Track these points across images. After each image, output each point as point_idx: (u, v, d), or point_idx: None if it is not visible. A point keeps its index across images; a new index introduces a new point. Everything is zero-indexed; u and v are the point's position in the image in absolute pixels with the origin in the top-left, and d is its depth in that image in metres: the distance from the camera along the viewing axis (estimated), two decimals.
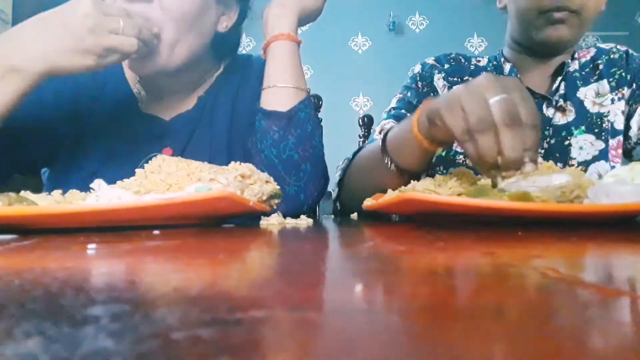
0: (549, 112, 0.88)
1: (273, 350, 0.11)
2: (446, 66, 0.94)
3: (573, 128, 0.86)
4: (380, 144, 0.66)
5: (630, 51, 0.90)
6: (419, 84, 0.93)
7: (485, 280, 0.20)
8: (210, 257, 0.28)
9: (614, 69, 0.88)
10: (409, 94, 0.91)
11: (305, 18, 0.73)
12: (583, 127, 0.86)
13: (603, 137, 0.85)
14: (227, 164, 0.52)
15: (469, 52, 3.19)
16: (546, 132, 0.86)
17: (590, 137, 0.85)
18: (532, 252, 0.28)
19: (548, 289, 0.18)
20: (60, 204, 0.45)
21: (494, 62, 0.94)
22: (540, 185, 0.45)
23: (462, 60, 0.95)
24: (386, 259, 0.28)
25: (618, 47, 0.91)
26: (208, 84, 0.78)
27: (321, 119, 1.08)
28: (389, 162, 0.64)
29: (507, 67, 0.90)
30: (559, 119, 0.88)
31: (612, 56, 0.89)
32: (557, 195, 0.44)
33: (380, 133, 0.82)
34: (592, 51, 0.92)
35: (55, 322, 0.14)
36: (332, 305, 0.16)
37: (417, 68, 0.96)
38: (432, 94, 0.91)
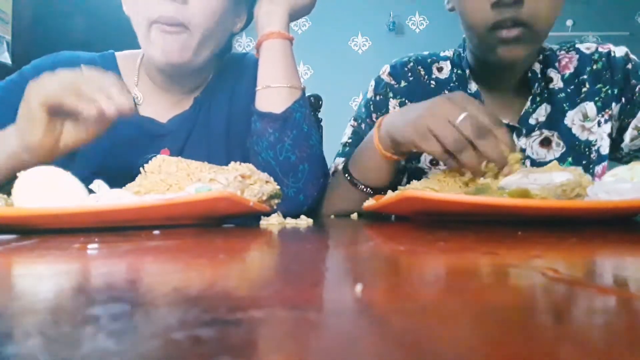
0: (520, 142, 0.77)
1: (273, 350, 0.11)
2: (403, 84, 0.82)
3: (561, 164, 0.75)
4: (342, 170, 0.69)
5: (613, 52, 0.79)
6: (373, 116, 0.82)
7: (485, 280, 0.20)
8: (210, 257, 0.28)
9: (599, 86, 0.78)
10: (362, 127, 0.82)
11: (297, 13, 0.72)
12: (570, 159, 0.77)
13: (590, 170, 0.77)
14: (225, 163, 0.52)
15: None
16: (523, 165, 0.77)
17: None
18: (532, 252, 0.28)
19: (548, 289, 0.18)
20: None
21: (458, 72, 0.81)
22: (541, 183, 0.45)
23: (422, 73, 0.83)
24: (386, 259, 0.28)
25: (600, 49, 0.79)
26: (204, 85, 0.78)
27: (321, 119, 1.08)
28: (359, 185, 0.67)
29: (473, 86, 0.79)
30: (544, 155, 0.77)
31: (595, 67, 0.79)
32: (558, 193, 0.44)
33: (333, 174, 0.79)
34: (574, 59, 0.80)
35: (55, 322, 0.14)
36: (332, 305, 0.16)
37: (371, 90, 0.85)
38: None
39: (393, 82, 0.83)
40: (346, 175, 0.69)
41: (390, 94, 0.82)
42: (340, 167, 0.80)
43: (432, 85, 0.82)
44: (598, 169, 0.78)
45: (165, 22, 0.62)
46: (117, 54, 0.80)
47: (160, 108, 0.76)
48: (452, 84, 0.81)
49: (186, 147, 0.74)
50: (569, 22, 3.07)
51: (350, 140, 0.83)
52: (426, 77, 0.83)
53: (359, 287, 0.17)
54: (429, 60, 0.84)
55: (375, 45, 3.28)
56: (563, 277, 0.20)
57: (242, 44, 3.28)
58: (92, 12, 2.10)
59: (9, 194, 0.45)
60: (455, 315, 0.14)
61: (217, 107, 0.77)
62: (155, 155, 0.70)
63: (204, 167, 0.50)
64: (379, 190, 0.67)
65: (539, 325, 0.13)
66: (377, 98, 0.83)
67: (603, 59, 0.79)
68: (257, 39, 0.71)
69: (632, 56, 0.79)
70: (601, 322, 0.14)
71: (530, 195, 0.42)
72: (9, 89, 0.73)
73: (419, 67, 0.83)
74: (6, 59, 1.82)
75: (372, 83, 0.86)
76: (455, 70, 0.82)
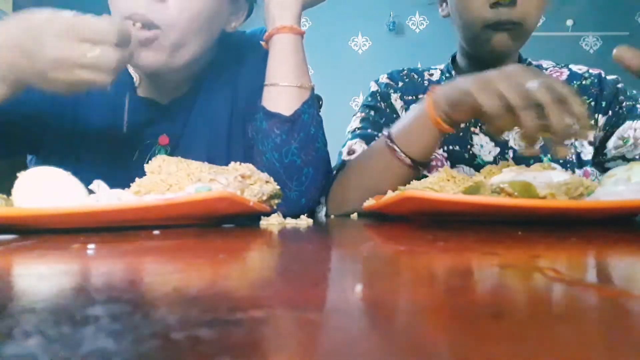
0: (505, 135, 0.84)
1: (273, 350, 0.11)
2: (400, 84, 0.92)
3: (542, 156, 0.82)
4: (386, 140, 0.66)
5: (603, 75, 0.86)
6: (382, 104, 0.90)
7: (485, 280, 0.20)
8: (210, 257, 0.28)
9: (583, 97, 0.84)
10: (372, 113, 0.88)
11: (311, 2, 0.70)
12: (549, 156, 0.82)
13: (568, 168, 0.82)
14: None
15: None
16: (507, 157, 0.83)
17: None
18: (532, 252, 0.28)
19: (548, 289, 0.18)
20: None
21: (447, 75, 0.91)
22: (542, 181, 0.45)
23: (415, 77, 0.93)
24: (386, 259, 0.28)
25: (590, 71, 0.87)
26: (203, 66, 0.74)
27: (321, 119, 1.08)
28: (400, 153, 0.65)
29: None
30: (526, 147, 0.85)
31: (583, 82, 0.86)
32: (563, 191, 0.44)
33: (348, 154, 0.81)
34: (565, 74, 0.88)
35: (55, 322, 0.14)
36: (332, 305, 0.16)
37: (374, 86, 0.93)
38: (394, 115, 0.88)
39: (392, 82, 0.92)
40: (390, 143, 0.66)
41: (391, 90, 0.91)
42: (355, 146, 0.82)
43: (426, 84, 0.92)
44: (579, 172, 0.83)
45: (138, 20, 0.59)
46: None
47: (160, 90, 0.73)
48: (442, 83, 0.90)
49: (186, 131, 0.72)
50: (569, 22, 3.07)
51: (360, 125, 0.86)
52: (419, 79, 0.93)
53: (359, 287, 0.17)
54: (420, 69, 0.96)
55: (375, 45, 3.28)
56: (563, 277, 0.20)
57: None
58: (92, 12, 2.10)
59: (9, 194, 0.45)
60: (455, 315, 0.14)
61: (220, 91, 0.74)
62: (152, 141, 0.67)
63: (204, 167, 0.50)
64: (421, 164, 0.66)
65: (539, 325, 0.13)
66: (382, 91, 0.91)
67: (593, 78, 0.86)
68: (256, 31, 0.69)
69: (622, 83, 0.86)
70: (601, 322, 0.14)
71: (533, 189, 0.42)
72: None
73: (412, 74, 0.94)
74: None
75: (373, 84, 0.94)
76: (443, 75, 0.92)
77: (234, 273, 0.23)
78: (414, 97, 0.90)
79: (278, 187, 0.53)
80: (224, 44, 0.76)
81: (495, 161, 0.83)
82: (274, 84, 0.65)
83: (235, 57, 0.76)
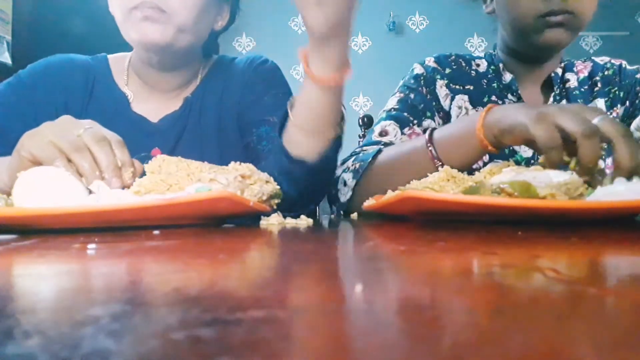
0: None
1: (273, 350, 0.11)
2: (447, 70, 0.90)
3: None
4: (425, 145, 0.66)
5: (624, 65, 0.89)
6: (424, 89, 0.88)
7: (485, 280, 0.20)
8: (210, 257, 0.28)
9: (608, 87, 0.88)
10: (412, 96, 0.86)
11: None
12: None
13: (603, 158, 0.82)
14: (218, 164, 0.52)
15: (468, 52, 3.19)
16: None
17: None
18: (532, 252, 0.28)
19: (548, 289, 0.18)
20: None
21: (493, 67, 0.91)
22: (542, 181, 0.45)
23: (463, 64, 0.92)
24: (386, 259, 0.28)
25: (612, 61, 0.91)
26: (194, 86, 0.79)
27: None
28: (436, 159, 0.65)
29: (507, 76, 0.88)
30: None
31: (606, 73, 0.89)
32: (563, 191, 0.44)
33: (380, 134, 0.81)
34: (589, 66, 0.91)
35: (55, 322, 0.14)
36: (332, 306, 0.16)
37: (419, 69, 0.91)
38: (434, 103, 0.87)
39: (439, 67, 0.91)
40: (429, 146, 0.65)
41: (438, 76, 0.89)
42: (389, 128, 0.82)
43: (473, 75, 0.90)
44: (608, 161, 0.84)
45: (145, 5, 0.64)
46: (109, 56, 0.81)
47: (151, 107, 0.77)
48: (489, 75, 0.90)
49: (178, 147, 0.75)
50: None
51: (397, 107, 0.86)
52: (467, 67, 0.92)
53: (359, 287, 0.17)
54: (467, 56, 0.95)
55: (375, 45, 3.28)
56: (563, 277, 0.20)
57: (242, 44, 3.28)
58: (92, 11, 2.10)
59: (9, 194, 0.45)
60: (455, 315, 0.14)
61: (208, 108, 0.78)
62: (145, 154, 0.70)
63: (204, 167, 0.50)
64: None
65: (539, 325, 0.13)
66: (427, 75, 0.90)
67: (615, 67, 0.90)
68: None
69: None
70: (601, 322, 0.14)
71: (533, 189, 0.42)
72: (6, 93, 0.74)
73: (460, 60, 0.92)
74: (6, 59, 1.82)
75: (417, 66, 0.92)
76: (490, 66, 0.91)
77: (234, 273, 0.23)
78: (461, 87, 0.89)
79: (278, 187, 0.53)
80: (214, 67, 0.81)
81: (534, 156, 0.83)
82: (301, 127, 0.61)
83: (222, 80, 0.80)
